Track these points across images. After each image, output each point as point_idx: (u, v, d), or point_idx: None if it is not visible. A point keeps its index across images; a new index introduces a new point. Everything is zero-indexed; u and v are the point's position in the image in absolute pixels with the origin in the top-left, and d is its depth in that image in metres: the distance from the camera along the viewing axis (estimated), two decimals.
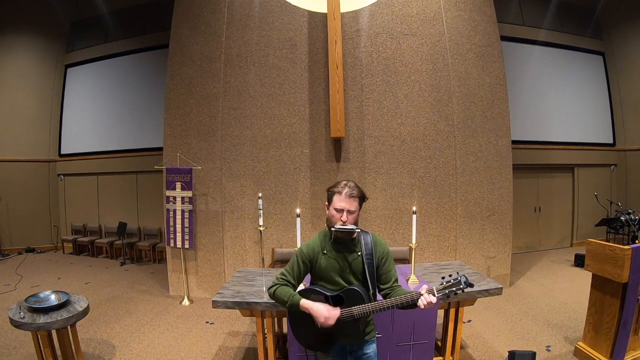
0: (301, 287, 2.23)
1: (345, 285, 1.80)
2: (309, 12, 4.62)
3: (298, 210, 2.85)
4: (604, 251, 2.87)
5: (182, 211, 4.73)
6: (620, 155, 7.78)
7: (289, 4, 4.48)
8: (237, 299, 2.59)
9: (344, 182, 1.80)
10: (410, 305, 1.67)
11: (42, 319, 2.49)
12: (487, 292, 2.71)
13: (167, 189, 4.77)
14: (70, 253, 7.69)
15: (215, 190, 4.85)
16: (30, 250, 7.79)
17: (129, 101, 7.67)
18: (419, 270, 3.19)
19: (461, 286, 1.62)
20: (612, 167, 7.82)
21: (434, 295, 1.62)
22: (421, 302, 1.62)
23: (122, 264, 6.78)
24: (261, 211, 3.17)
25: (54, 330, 2.60)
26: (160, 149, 5.09)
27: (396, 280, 1.86)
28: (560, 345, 3.38)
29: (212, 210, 4.86)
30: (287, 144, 4.77)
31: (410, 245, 2.91)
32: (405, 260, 3.94)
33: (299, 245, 2.77)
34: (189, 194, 4.70)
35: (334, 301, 1.78)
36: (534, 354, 2.94)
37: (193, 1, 4.97)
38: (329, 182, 4.64)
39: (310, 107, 4.75)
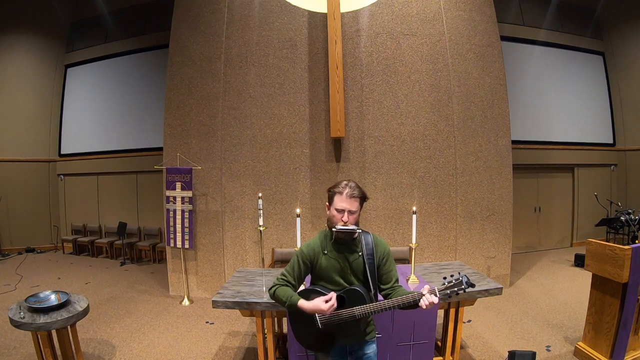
0: (301, 287, 2.23)
1: (346, 285, 1.80)
2: (309, 12, 4.62)
3: (298, 210, 2.86)
4: (604, 251, 2.87)
5: (182, 211, 4.73)
6: (620, 155, 7.78)
7: (289, 4, 4.48)
8: (237, 299, 2.59)
9: (345, 182, 1.80)
10: (411, 305, 1.67)
11: (42, 319, 2.49)
12: (487, 292, 2.71)
13: (167, 189, 4.77)
14: (70, 253, 7.69)
15: (215, 190, 4.85)
16: (30, 250, 7.79)
17: (129, 101, 7.67)
18: (419, 270, 3.19)
19: (463, 286, 1.62)
20: (612, 167, 7.82)
21: (435, 295, 1.62)
22: (423, 302, 1.62)
23: (122, 264, 6.78)
24: (261, 211, 3.17)
25: (54, 330, 2.60)
26: (160, 149, 5.09)
27: (397, 281, 1.86)
28: (560, 345, 3.38)
29: (212, 210, 4.86)
30: (287, 144, 4.77)
31: (410, 245, 2.91)
32: (405, 260, 3.94)
33: (299, 245, 2.77)
34: (189, 194, 4.70)
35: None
36: (534, 354, 2.94)
37: (193, 1, 4.97)
38: (329, 182, 4.64)
39: (310, 107, 4.75)
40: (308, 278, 1.95)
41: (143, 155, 7.38)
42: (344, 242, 1.81)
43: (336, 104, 4.36)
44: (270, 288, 1.84)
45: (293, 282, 1.84)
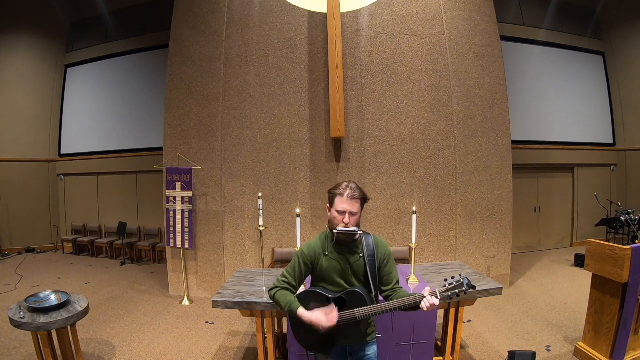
0: (302, 288, 2.23)
1: (347, 287, 1.80)
2: (309, 12, 4.62)
3: (298, 210, 2.85)
4: (604, 251, 2.87)
5: (182, 211, 4.73)
6: (620, 155, 7.78)
7: (289, 4, 4.48)
8: (237, 299, 2.59)
9: (346, 183, 1.79)
10: (412, 307, 1.67)
11: (42, 319, 2.49)
12: (487, 292, 2.71)
13: (167, 189, 4.77)
14: (70, 253, 7.69)
15: (215, 190, 4.85)
16: (30, 250, 7.79)
17: (129, 101, 7.67)
18: (419, 270, 3.19)
19: (464, 288, 1.61)
20: (612, 167, 7.82)
21: (436, 297, 1.62)
22: (424, 304, 1.62)
23: (122, 264, 6.78)
24: (261, 211, 3.17)
25: (54, 330, 2.60)
26: (160, 149, 5.09)
27: (398, 282, 1.86)
28: (560, 345, 3.38)
29: (212, 210, 4.86)
30: (287, 144, 4.77)
31: (410, 245, 2.91)
32: (405, 260, 3.94)
33: (299, 245, 2.77)
34: (189, 194, 4.70)
35: (336, 303, 1.77)
36: (534, 354, 2.94)
37: (193, 1, 4.97)
38: (329, 182, 4.64)
39: (310, 107, 4.75)
40: (308, 279, 1.95)
41: (143, 155, 7.38)
42: (345, 244, 1.81)
43: (336, 104, 4.36)
44: (271, 290, 1.84)
45: (294, 284, 1.83)
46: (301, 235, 2.87)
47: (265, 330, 2.75)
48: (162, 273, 5.79)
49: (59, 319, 2.53)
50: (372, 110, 4.75)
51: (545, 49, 7.26)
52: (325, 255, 1.82)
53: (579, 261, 5.98)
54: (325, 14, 4.37)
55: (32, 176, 7.98)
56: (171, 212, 4.75)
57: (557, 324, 3.84)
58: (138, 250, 7.17)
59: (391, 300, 1.76)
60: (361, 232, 1.81)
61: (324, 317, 1.68)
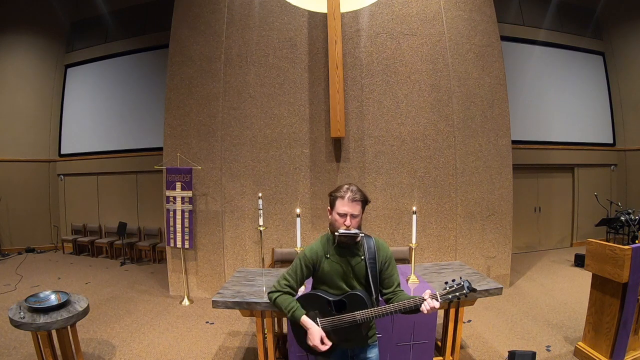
0: (302, 290, 2.23)
1: (348, 289, 1.80)
2: (309, 12, 4.62)
3: (298, 210, 2.85)
4: (604, 251, 2.87)
5: (182, 211, 4.73)
6: (620, 155, 7.78)
7: (289, 4, 4.48)
8: (237, 299, 2.59)
9: (346, 186, 1.79)
10: (413, 310, 1.67)
11: (42, 319, 2.49)
12: (487, 292, 2.71)
13: (167, 189, 4.77)
14: (70, 253, 7.69)
15: (215, 190, 4.85)
16: (30, 250, 7.79)
17: (129, 101, 7.67)
18: (419, 270, 3.19)
19: (464, 291, 1.61)
20: (612, 167, 7.82)
21: (437, 300, 1.62)
22: (424, 307, 1.62)
23: (122, 264, 6.78)
24: (261, 211, 3.17)
25: (54, 330, 2.60)
26: (160, 149, 5.09)
27: (399, 285, 1.86)
28: (560, 345, 3.38)
29: (212, 210, 4.86)
30: (287, 144, 4.77)
31: (410, 245, 2.91)
32: (405, 260, 3.94)
33: (299, 245, 2.77)
34: (189, 194, 4.70)
35: (336, 306, 1.77)
36: (534, 354, 2.94)
37: (193, 1, 4.97)
38: (329, 182, 4.65)
39: (310, 107, 4.75)
40: (309, 280, 1.95)
41: (143, 155, 7.38)
42: (346, 246, 1.80)
43: (336, 104, 4.36)
44: (271, 292, 1.83)
45: (295, 287, 1.83)
46: (301, 235, 2.87)
47: (265, 330, 2.75)
48: (162, 273, 5.79)
49: (59, 319, 2.53)
50: (372, 110, 4.75)
51: (545, 49, 7.26)
52: (327, 258, 1.81)
53: (579, 261, 5.98)
54: (325, 14, 4.37)
55: (32, 176, 7.98)
56: (171, 212, 4.75)
57: (557, 324, 3.84)
58: (138, 250, 7.16)
59: (392, 303, 1.76)
60: (362, 235, 1.80)
61: (317, 339, 1.71)
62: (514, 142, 5.31)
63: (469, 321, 3.97)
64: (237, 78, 4.82)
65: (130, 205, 7.73)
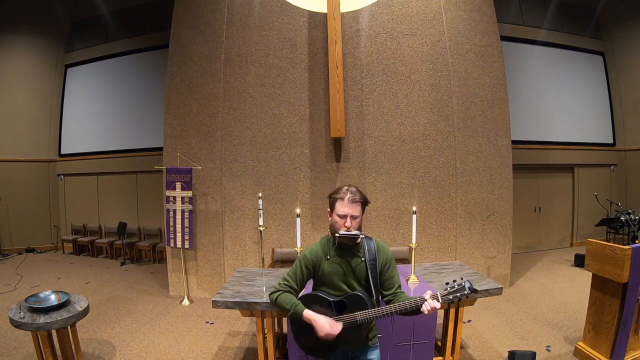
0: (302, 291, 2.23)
1: (349, 290, 1.80)
2: (309, 12, 4.61)
3: (298, 210, 2.85)
4: (604, 251, 2.87)
5: (182, 211, 4.73)
6: (620, 155, 7.78)
7: (289, 4, 4.48)
8: (237, 299, 2.59)
9: (346, 187, 1.79)
10: (414, 310, 1.67)
11: (42, 319, 2.49)
12: (487, 292, 2.71)
13: (167, 189, 4.77)
14: (70, 253, 7.69)
15: (215, 190, 4.85)
16: (30, 250, 7.79)
17: (129, 101, 7.67)
18: (419, 270, 3.19)
19: (465, 292, 1.61)
20: (612, 167, 7.82)
21: (438, 300, 1.62)
22: (425, 308, 1.62)
23: (122, 264, 6.78)
24: (261, 211, 3.17)
25: (54, 330, 2.60)
26: (160, 149, 5.09)
27: (399, 287, 1.86)
28: (560, 345, 3.38)
29: (212, 210, 4.86)
30: (287, 144, 4.77)
31: (410, 245, 2.91)
32: (405, 260, 3.94)
33: (299, 245, 2.77)
34: (189, 194, 4.70)
35: (337, 307, 1.77)
36: (534, 354, 2.94)
37: (193, 1, 4.97)
38: (329, 182, 4.65)
39: (310, 107, 4.75)
40: (309, 283, 1.95)
41: (143, 155, 7.38)
42: (346, 248, 1.80)
43: (336, 104, 4.36)
44: (272, 293, 1.83)
45: (295, 287, 1.83)
46: (301, 235, 2.87)
47: (265, 330, 2.75)
48: (162, 273, 5.78)
49: (59, 319, 2.53)
50: (372, 110, 4.75)
51: (545, 49, 7.26)
52: (327, 259, 1.81)
53: (579, 261, 5.98)
54: (325, 14, 4.37)
55: (32, 176, 7.98)
56: (171, 212, 4.75)
57: (557, 324, 3.85)
58: (138, 250, 7.16)
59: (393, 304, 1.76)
60: (363, 236, 1.80)
61: (327, 325, 1.68)
62: (514, 142, 5.31)
63: (469, 321, 3.97)
64: (237, 78, 4.82)
65: (130, 205, 7.73)
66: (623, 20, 7.49)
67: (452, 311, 2.82)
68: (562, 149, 7.33)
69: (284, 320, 3.34)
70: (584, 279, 4.87)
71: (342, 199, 1.75)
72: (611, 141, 7.80)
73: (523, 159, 6.86)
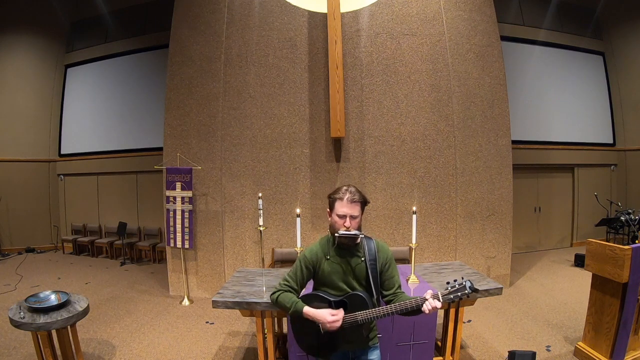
0: (302, 292, 2.23)
1: (349, 290, 1.80)
2: (309, 12, 4.62)
3: (298, 210, 2.85)
4: (604, 251, 2.87)
5: (182, 211, 4.73)
6: (620, 155, 7.78)
7: (289, 4, 4.48)
8: (237, 299, 2.59)
9: (345, 187, 1.79)
10: (414, 310, 1.67)
11: (42, 319, 2.49)
12: (487, 292, 2.71)
13: (167, 189, 4.77)
14: (70, 253, 7.69)
15: (215, 190, 4.85)
16: (30, 250, 7.79)
17: (129, 101, 7.67)
18: (419, 270, 3.19)
19: (466, 291, 1.61)
20: (612, 167, 7.82)
21: (438, 300, 1.62)
22: (426, 307, 1.62)
23: (122, 264, 6.78)
24: (261, 211, 3.17)
25: (54, 330, 2.60)
26: (160, 149, 5.09)
27: (400, 287, 1.86)
28: (560, 345, 3.38)
29: (212, 210, 4.86)
30: (287, 144, 4.77)
31: (410, 245, 2.91)
32: (405, 260, 3.94)
33: (299, 245, 2.77)
34: (189, 194, 4.70)
35: (337, 307, 1.77)
36: (534, 354, 2.94)
37: (193, 1, 4.97)
38: (329, 182, 4.65)
39: (310, 107, 4.75)
40: (310, 284, 1.95)
41: (143, 155, 7.38)
42: (346, 248, 1.80)
43: (336, 104, 4.36)
44: (273, 293, 1.83)
45: (296, 287, 1.83)
46: (301, 235, 2.87)
47: (265, 330, 2.75)
48: (162, 273, 5.78)
49: (59, 319, 2.53)
50: (372, 110, 4.75)
51: (545, 49, 7.26)
52: (327, 259, 1.81)
53: (579, 261, 5.98)
54: (325, 14, 4.37)
55: (32, 176, 7.98)
56: (171, 212, 4.75)
57: (557, 324, 3.85)
58: (138, 250, 7.16)
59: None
60: (362, 236, 1.80)
61: (329, 315, 1.69)
62: (514, 142, 5.31)
63: (469, 321, 3.97)
64: (237, 78, 4.82)
65: (130, 205, 7.73)
66: (623, 20, 7.49)
67: (452, 311, 2.82)
68: (562, 149, 7.33)
69: (284, 320, 3.34)
70: (584, 279, 4.86)
71: (341, 199, 1.76)
72: (611, 141, 7.80)
73: (523, 159, 6.86)
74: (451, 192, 4.81)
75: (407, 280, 2.88)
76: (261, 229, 3.12)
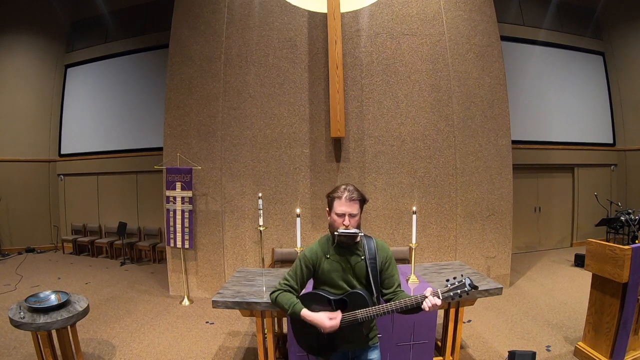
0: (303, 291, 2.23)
1: (349, 289, 1.80)
2: (309, 12, 4.62)
3: (298, 210, 2.85)
4: (604, 251, 2.87)
5: (182, 211, 4.73)
6: (620, 155, 7.78)
7: (289, 4, 4.48)
8: (237, 299, 2.59)
9: (343, 186, 1.80)
10: (414, 308, 1.67)
11: (42, 319, 2.49)
12: (487, 292, 2.71)
13: (167, 189, 4.77)
14: (70, 253, 7.69)
15: (215, 190, 4.85)
16: (30, 250, 7.79)
17: (129, 101, 7.67)
18: (419, 270, 3.19)
19: (466, 289, 1.61)
20: (612, 167, 7.82)
21: (438, 297, 1.62)
22: (426, 305, 1.62)
23: (122, 264, 6.78)
24: (261, 211, 3.17)
25: (54, 330, 2.60)
26: (160, 149, 5.09)
27: (399, 285, 1.86)
28: (560, 345, 3.38)
29: (212, 210, 4.86)
30: (287, 144, 4.77)
31: (410, 245, 2.91)
32: (405, 260, 3.94)
33: (299, 245, 2.77)
34: (189, 194, 4.70)
35: (337, 305, 1.77)
36: (534, 354, 2.94)
37: (193, 1, 4.97)
38: (329, 182, 4.65)
39: (310, 107, 4.75)
40: (310, 283, 1.95)
41: (143, 155, 7.38)
42: (346, 246, 1.81)
43: (336, 104, 4.36)
44: (272, 293, 1.83)
45: (295, 287, 1.83)
46: (301, 235, 2.87)
47: (265, 330, 2.75)
48: (162, 273, 5.78)
49: (59, 319, 2.53)
50: (372, 110, 4.75)
51: (545, 49, 7.26)
52: (327, 258, 1.82)
53: (579, 261, 5.98)
54: (325, 14, 4.37)
55: (32, 176, 7.98)
56: (171, 212, 4.75)
57: (557, 324, 3.84)
58: (138, 250, 7.16)
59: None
60: (362, 234, 1.81)
61: (327, 319, 1.69)
62: (514, 142, 5.31)
63: (469, 321, 3.97)
64: (237, 78, 4.82)
65: (130, 205, 7.73)
66: (623, 20, 7.49)
67: (452, 311, 2.82)
68: (562, 149, 7.33)
69: (284, 320, 3.34)
70: (584, 279, 4.86)
71: (339, 197, 1.76)
72: (611, 141, 7.80)
73: (523, 159, 6.86)
74: (451, 192, 4.81)
75: (407, 280, 2.88)
76: (261, 229, 3.12)
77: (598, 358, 2.94)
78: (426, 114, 4.78)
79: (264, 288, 2.80)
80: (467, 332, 3.69)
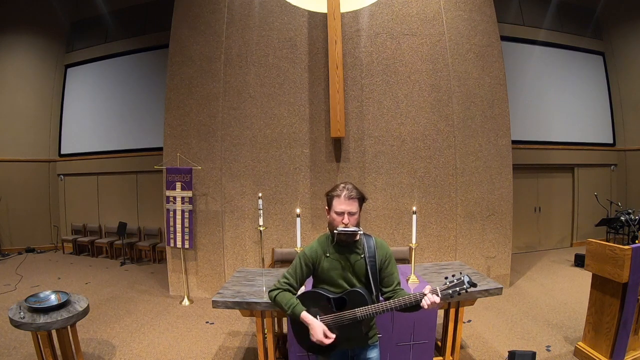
0: (302, 289, 2.23)
1: (348, 287, 1.80)
2: (309, 12, 4.62)
3: (298, 210, 2.85)
4: (604, 251, 2.87)
5: (182, 211, 4.73)
6: (620, 155, 7.78)
7: (289, 4, 4.48)
8: (237, 299, 2.59)
9: (342, 184, 1.80)
10: (414, 306, 1.67)
11: (42, 319, 2.49)
12: (487, 292, 2.71)
13: (167, 189, 4.77)
14: (70, 253, 7.69)
15: (215, 190, 4.85)
16: (30, 250, 7.79)
17: (129, 101, 7.67)
18: (419, 270, 3.19)
19: (464, 286, 1.62)
20: (612, 167, 7.82)
21: (437, 295, 1.62)
22: (425, 302, 1.62)
23: (122, 264, 6.78)
24: (261, 211, 3.17)
25: (54, 330, 2.60)
26: (160, 149, 5.09)
27: (399, 284, 1.86)
28: (560, 345, 3.38)
29: (212, 210, 4.86)
30: (287, 144, 4.77)
31: (410, 245, 2.91)
32: (405, 260, 3.94)
33: (299, 245, 2.77)
34: (189, 194, 4.70)
35: (337, 303, 1.77)
36: (534, 354, 2.94)
37: (193, 1, 4.97)
38: (329, 182, 4.65)
39: (310, 107, 4.75)
40: (309, 281, 1.95)
41: (143, 155, 7.38)
42: (345, 244, 1.81)
43: (336, 104, 4.36)
44: (272, 291, 1.83)
45: (295, 285, 1.83)
46: (301, 235, 2.87)
47: (265, 330, 2.75)
48: (162, 273, 5.78)
49: (59, 319, 2.53)
50: (372, 110, 4.75)
51: (545, 49, 7.26)
52: (326, 256, 1.82)
53: (579, 261, 5.98)
54: (325, 14, 4.37)
55: (32, 176, 7.98)
56: (171, 212, 4.75)
57: (557, 324, 3.85)
58: (138, 250, 7.16)
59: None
60: (361, 233, 1.81)
61: (322, 334, 1.70)
62: (514, 142, 5.31)
63: (469, 321, 3.97)
64: (237, 78, 4.83)
65: (130, 205, 7.73)
66: (623, 20, 7.49)
67: (452, 311, 2.82)
68: (562, 149, 7.33)
69: (284, 320, 3.34)
70: (584, 279, 4.86)
71: (338, 196, 1.76)
72: (611, 141, 7.80)
73: (523, 159, 6.86)
74: (451, 192, 4.81)
75: (407, 280, 2.88)
76: (261, 229, 3.12)
77: (598, 358, 2.94)
78: (426, 114, 4.78)
79: (264, 288, 2.80)
80: (467, 332, 3.69)
